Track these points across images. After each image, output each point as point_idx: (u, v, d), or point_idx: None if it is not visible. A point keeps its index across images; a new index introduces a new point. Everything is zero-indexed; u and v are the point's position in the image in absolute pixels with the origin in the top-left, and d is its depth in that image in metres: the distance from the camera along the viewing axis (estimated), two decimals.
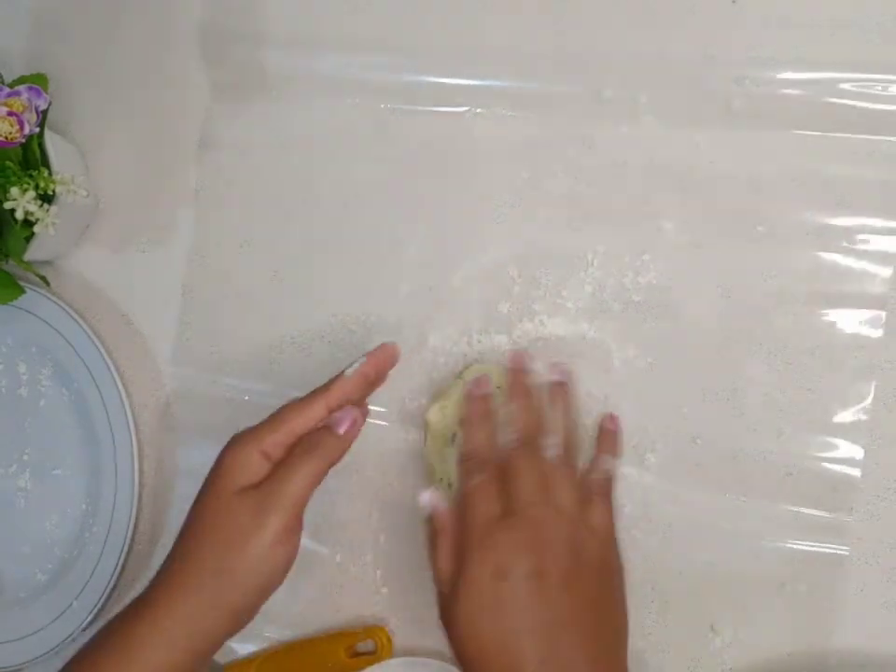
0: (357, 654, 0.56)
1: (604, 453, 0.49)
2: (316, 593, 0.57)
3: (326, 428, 0.47)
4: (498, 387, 0.52)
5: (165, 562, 0.46)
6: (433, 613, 0.55)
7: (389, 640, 0.55)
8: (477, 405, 0.49)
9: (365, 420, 0.50)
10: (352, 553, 0.57)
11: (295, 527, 0.45)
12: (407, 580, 0.56)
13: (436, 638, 0.55)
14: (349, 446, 0.47)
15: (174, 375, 0.60)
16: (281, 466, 0.45)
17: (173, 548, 0.46)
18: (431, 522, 0.47)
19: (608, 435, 0.50)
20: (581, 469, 0.48)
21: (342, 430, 0.46)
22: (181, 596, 0.44)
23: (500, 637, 0.42)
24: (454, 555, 0.45)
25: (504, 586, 0.43)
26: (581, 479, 0.47)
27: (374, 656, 0.55)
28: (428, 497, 0.47)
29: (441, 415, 0.53)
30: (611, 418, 0.51)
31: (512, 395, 0.49)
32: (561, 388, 0.51)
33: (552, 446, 0.47)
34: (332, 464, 0.46)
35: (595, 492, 0.47)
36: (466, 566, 0.44)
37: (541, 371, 0.51)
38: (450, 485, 0.52)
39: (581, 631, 0.42)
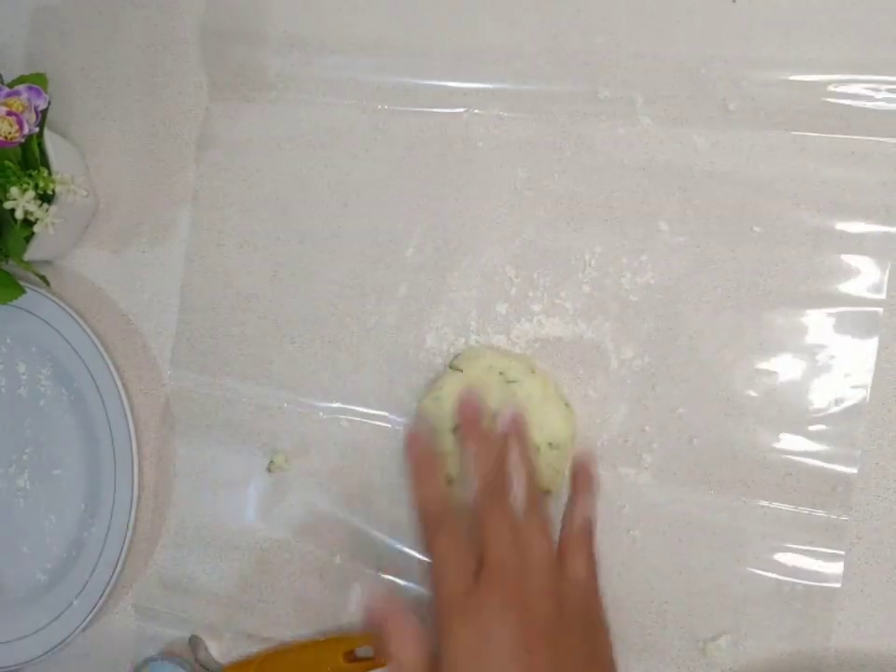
0: (356, 660, 0.56)
1: (581, 493, 0.48)
2: (317, 594, 0.57)
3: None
4: (501, 373, 0.51)
5: None
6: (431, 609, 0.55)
7: None
8: (419, 456, 0.48)
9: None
10: (351, 555, 0.57)
11: None
12: (404, 575, 0.56)
13: None
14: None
15: (173, 375, 0.60)
16: None
17: None
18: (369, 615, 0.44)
19: (583, 474, 0.49)
20: (561, 516, 0.47)
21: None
22: None
23: None
24: (421, 636, 0.42)
25: (490, 650, 0.41)
26: (564, 528, 0.46)
27: (373, 662, 0.55)
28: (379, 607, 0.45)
29: (436, 406, 0.53)
30: (587, 455, 0.49)
31: (467, 442, 0.48)
32: (515, 427, 0.49)
33: (518, 496, 0.45)
34: None
35: (575, 541, 0.46)
36: (448, 635, 0.42)
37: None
38: (449, 480, 0.51)
39: None
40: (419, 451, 0.48)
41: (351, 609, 0.57)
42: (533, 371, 0.52)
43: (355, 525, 0.57)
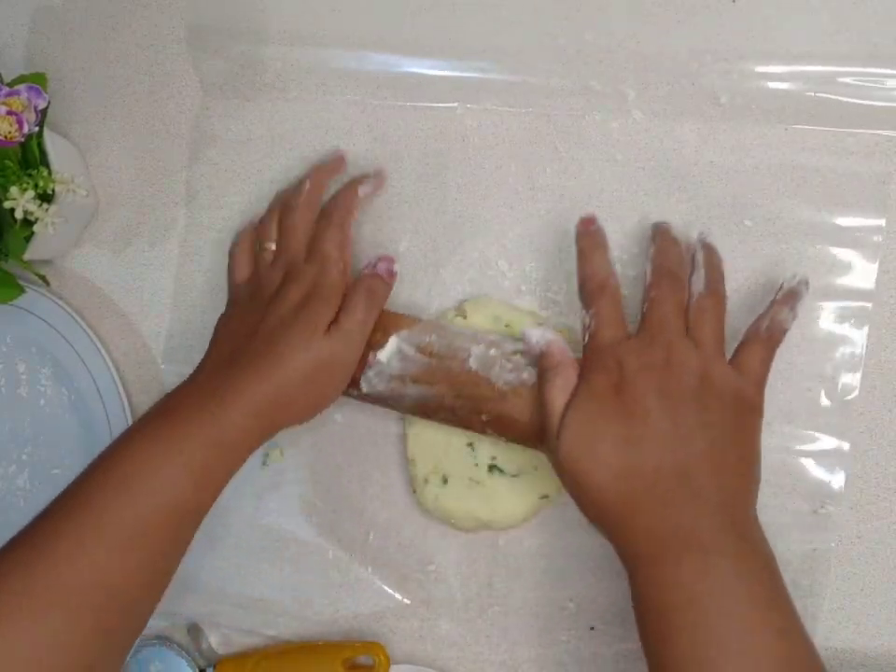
0: (355, 667, 0.55)
1: (784, 305, 0.46)
2: (316, 591, 0.57)
3: (373, 274, 0.51)
4: (507, 325, 0.52)
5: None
6: (428, 608, 0.55)
7: (387, 658, 0.55)
8: (587, 238, 0.49)
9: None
10: (344, 549, 0.57)
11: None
12: (399, 573, 0.56)
13: (431, 637, 0.56)
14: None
15: (173, 375, 0.60)
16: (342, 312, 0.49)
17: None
18: (542, 358, 0.47)
19: (793, 294, 0.47)
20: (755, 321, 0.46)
21: (384, 274, 0.51)
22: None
23: (614, 446, 0.42)
24: (567, 389, 0.45)
25: (626, 398, 0.43)
26: (753, 324, 0.46)
27: (372, 671, 0.55)
28: (539, 334, 0.47)
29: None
30: (801, 280, 0.47)
31: (658, 236, 0.49)
32: (711, 246, 0.49)
33: (697, 280, 0.46)
34: (381, 304, 0.51)
35: (758, 338, 0.45)
36: (587, 379, 0.44)
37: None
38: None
39: (703, 450, 0.42)
40: (590, 230, 0.49)
41: (347, 605, 0.57)
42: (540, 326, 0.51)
43: (348, 521, 0.57)
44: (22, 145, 0.54)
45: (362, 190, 0.53)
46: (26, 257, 0.56)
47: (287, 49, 0.58)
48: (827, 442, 0.50)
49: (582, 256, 0.49)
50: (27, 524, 0.44)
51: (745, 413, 0.44)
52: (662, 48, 0.52)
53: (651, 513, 0.42)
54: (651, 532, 0.42)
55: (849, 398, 0.50)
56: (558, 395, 0.45)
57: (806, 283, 0.47)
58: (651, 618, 0.42)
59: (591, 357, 0.45)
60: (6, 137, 0.52)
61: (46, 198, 0.54)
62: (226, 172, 0.59)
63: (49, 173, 0.54)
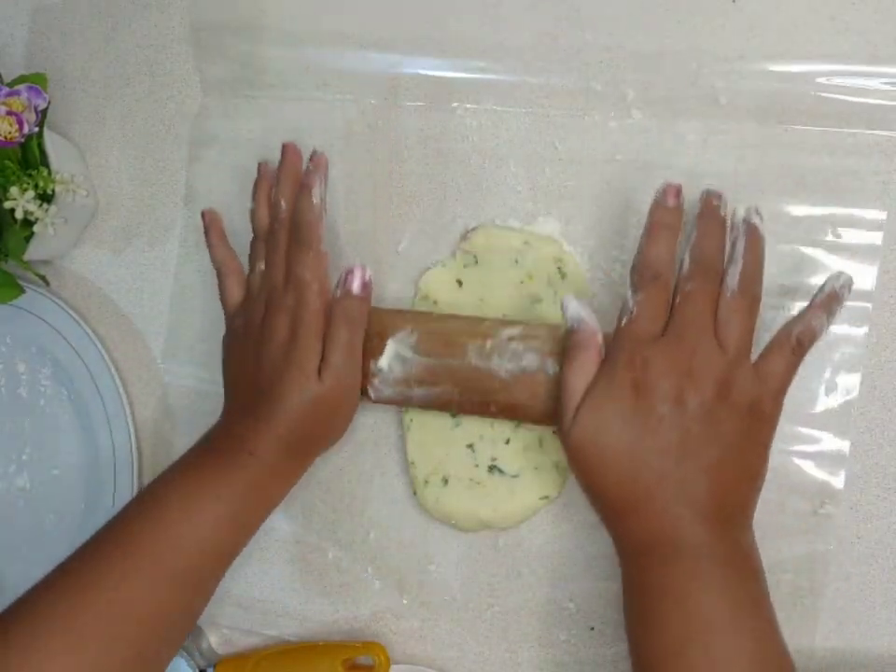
0: (355, 667, 0.56)
1: (819, 310, 0.44)
2: (313, 588, 0.57)
3: (346, 295, 0.50)
4: (517, 261, 0.52)
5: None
6: (428, 609, 0.55)
7: (387, 659, 0.55)
8: (662, 214, 0.46)
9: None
10: (344, 549, 0.57)
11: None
12: (399, 573, 0.56)
13: (431, 637, 0.56)
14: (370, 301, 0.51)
15: (173, 375, 0.60)
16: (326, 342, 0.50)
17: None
18: (571, 334, 0.46)
19: (832, 296, 0.44)
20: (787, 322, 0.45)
21: (358, 291, 0.50)
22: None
23: (624, 445, 0.43)
24: (586, 372, 0.45)
25: (641, 402, 0.43)
26: (785, 326, 0.45)
27: (371, 671, 0.55)
28: (576, 307, 0.46)
29: (435, 280, 0.54)
30: (845, 283, 0.45)
31: (702, 218, 0.46)
32: (754, 230, 0.46)
33: (732, 275, 0.45)
34: (363, 321, 0.51)
35: (786, 341, 0.44)
36: (609, 376, 0.44)
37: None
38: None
39: (708, 464, 0.43)
40: (670, 205, 0.47)
41: (346, 604, 0.57)
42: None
43: (347, 521, 0.57)
44: (22, 145, 0.54)
45: (318, 196, 0.51)
46: (26, 257, 0.56)
47: (287, 48, 0.58)
48: (827, 442, 0.50)
49: (650, 234, 0.46)
50: (72, 554, 0.47)
51: (758, 425, 0.44)
52: (662, 48, 0.52)
53: (650, 515, 0.43)
54: (648, 531, 0.43)
55: (849, 398, 0.50)
56: (578, 377, 0.45)
57: (850, 286, 0.45)
58: (639, 609, 0.43)
59: (621, 345, 0.45)
60: (6, 137, 0.52)
61: (46, 198, 0.54)
62: (226, 172, 0.59)
63: (49, 173, 0.54)
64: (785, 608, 0.48)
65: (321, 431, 0.51)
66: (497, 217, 0.55)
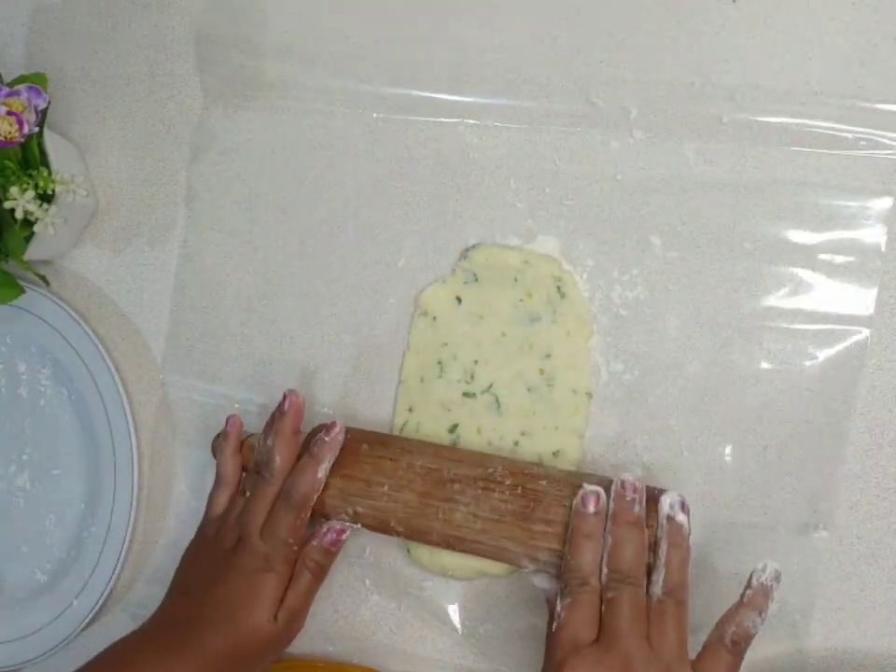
0: None
1: (749, 608, 0.44)
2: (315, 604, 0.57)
3: (315, 548, 0.51)
4: (516, 280, 0.52)
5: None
6: (421, 623, 0.54)
7: None
8: (582, 523, 0.46)
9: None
10: (342, 566, 0.56)
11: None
12: (395, 588, 0.56)
13: (427, 643, 0.55)
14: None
15: (172, 374, 0.60)
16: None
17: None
18: (566, 573, 0.46)
19: (760, 591, 0.44)
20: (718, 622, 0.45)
21: (331, 546, 0.52)
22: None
23: None
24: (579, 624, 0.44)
25: None
26: (721, 626, 0.44)
27: None
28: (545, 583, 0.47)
29: (434, 296, 0.54)
30: (771, 575, 0.45)
31: (615, 524, 0.46)
32: (678, 530, 0.45)
33: (656, 581, 0.44)
34: (327, 570, 0.52)
35: (720, 645, 0.44)
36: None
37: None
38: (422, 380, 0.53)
39: None
40: (593, 515, 0.46)
41: (344, 619, 0.57)
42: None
43: (347, 540, 0.56)
44: (22, 145, 0.54)
45: (322, 473, 0.51)
46: (26, 257, 0.56)
47: (288, 62, 0.58)
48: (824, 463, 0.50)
49: (573, 542, 0.46)
50: None
51: None
52: (665, 68, 0.52)
53: None
54: None
55: (846, 420, 0.50)
56: (567, 624, 0.45)
57: (778, 577, 0.44)
58: None
59: (552, 653, 0.44)
60: (6, 137, 0.52)
61: (46, 198, 0.54)
62: (226, 172, 0.59)
63: (49, 173, 0.54)
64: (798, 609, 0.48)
65: (251, 666, 0.51)
66: (497, 233, 0.54)
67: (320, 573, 0.52)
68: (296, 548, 0.51)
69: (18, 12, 0.63)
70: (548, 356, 0.52)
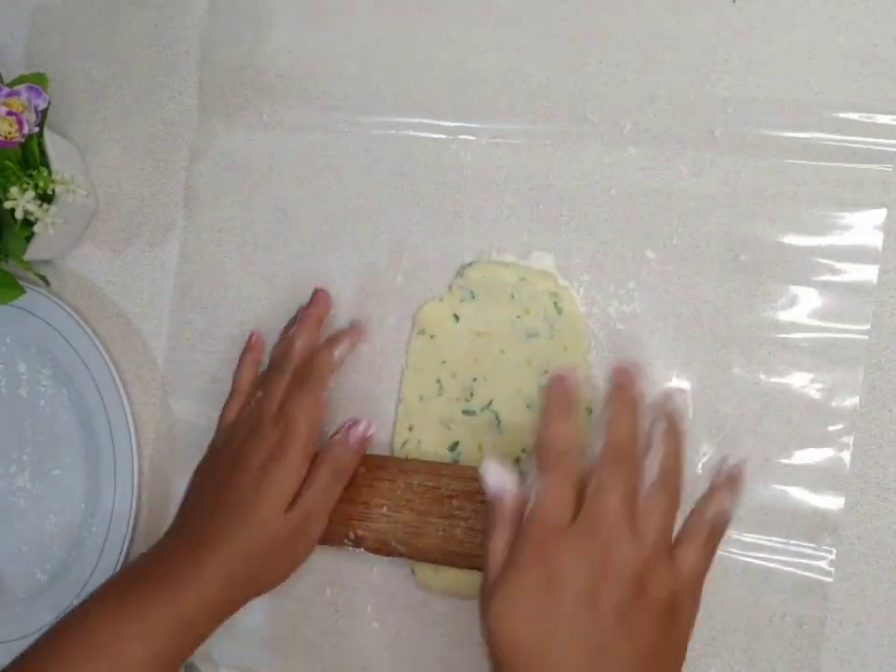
0: None
1: (725, 489, 0.45)
2: (311, 627, 0.56)
3: (340, 443, 0.50)
4: (513, 296, 0.52)
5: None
6: (425, 649, 0.54)
7: None
8: (557, 400, 0.45)
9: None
10: (343, 588, 0.56)
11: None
12: (397, 613, 0.55)
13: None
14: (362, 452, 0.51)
15: (172, 374, 0.60)
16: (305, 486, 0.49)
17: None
18: (490, 504, 0.44)
19: (733, 477, 0.45)
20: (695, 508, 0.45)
21: (354, 444, 0.51)
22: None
23: (538, 645, 0.40)
24: (509, 545, 0.42)
25: (552, 600, 0.41)
26: (693, 514, 0.44)
27: None
28: (495, 476, 0.44)
29: (432, 314, 0.54)
30: (739, 466, 0.46)
31: (613, 400, 0.45)
32: (672, 414, 0.45)
33: (651, 464, 0.43)
34: (349, 473, 0.51)
35: (700, 532, 0.44)
36: (517, 566, 0.41)
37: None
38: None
39: (622, 664, 0.40)
40: (563, 388, 0.45)
41: (345, 643, 0.56)
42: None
43: (346, 560, 0.56)
44: (22, 145, 0.54)
45: (338, 353, 0.51)
46: (26, 257, 0.56)
47: (290, 77, 0.58)
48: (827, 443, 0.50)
49: (545, 417, 0.44)
50: None
51: (675, 620, 0.42)
52: (659, 82, 0.52)
53: None
54: None
55: (849, 398, 0.50)
56: (498, 549, 0.43)
57: (742, 464, 0.47)
58: None
59: (528, 532, 0.42)
60: (6, 137, 0.52)
61: (46, 198, 0.54)
62: (225, 172, 0.59)
63: (49, 173, 0.54)
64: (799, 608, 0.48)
65: (265, 576, 0.50)
66: (493, 249, 0.54)
67: (342, 473, 0.50)
68: (313, 435, 0.49)
69: (18, 12, 0.63)
70: (546, 371, 0.52)
